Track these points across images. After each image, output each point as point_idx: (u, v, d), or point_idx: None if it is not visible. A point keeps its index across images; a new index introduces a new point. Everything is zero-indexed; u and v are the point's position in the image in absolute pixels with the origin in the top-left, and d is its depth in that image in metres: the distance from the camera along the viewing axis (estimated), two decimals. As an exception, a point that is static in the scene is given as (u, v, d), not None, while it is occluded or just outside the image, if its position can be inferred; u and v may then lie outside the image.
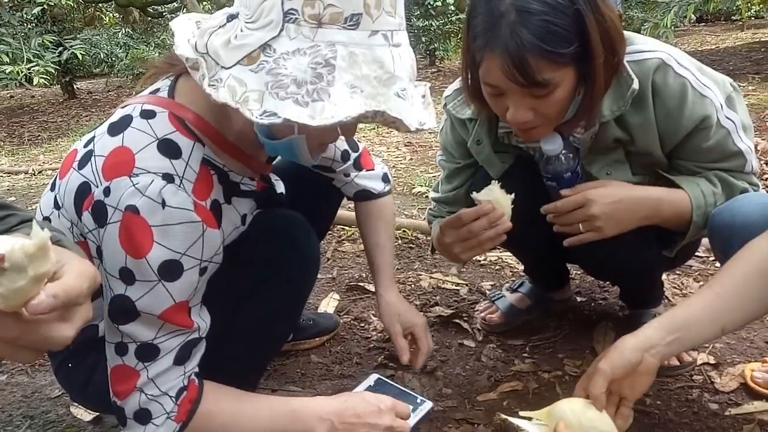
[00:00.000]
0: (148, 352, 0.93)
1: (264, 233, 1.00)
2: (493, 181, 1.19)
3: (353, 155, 1.36)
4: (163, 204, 0.86)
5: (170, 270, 0.89)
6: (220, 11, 0.91)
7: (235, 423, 0.99)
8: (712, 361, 1.42)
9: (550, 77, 1.02)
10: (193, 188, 0.92)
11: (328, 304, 1.81)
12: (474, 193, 1.19)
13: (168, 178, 0.88)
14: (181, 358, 0.96)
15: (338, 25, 0.79)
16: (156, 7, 10.00)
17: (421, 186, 3.01)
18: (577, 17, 1.01)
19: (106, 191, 0.86)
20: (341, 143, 1.33)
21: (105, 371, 1.04)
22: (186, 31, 0.92)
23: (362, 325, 1.70)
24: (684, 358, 1.40)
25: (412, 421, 1.26)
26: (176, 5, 9.93)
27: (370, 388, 1.37)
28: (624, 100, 1.14)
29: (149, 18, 10.56)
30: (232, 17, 0.88)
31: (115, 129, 0.92)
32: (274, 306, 1.09)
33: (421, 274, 1.98)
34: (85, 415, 1.38)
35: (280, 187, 1.20)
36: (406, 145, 4.10)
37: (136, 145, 0.89)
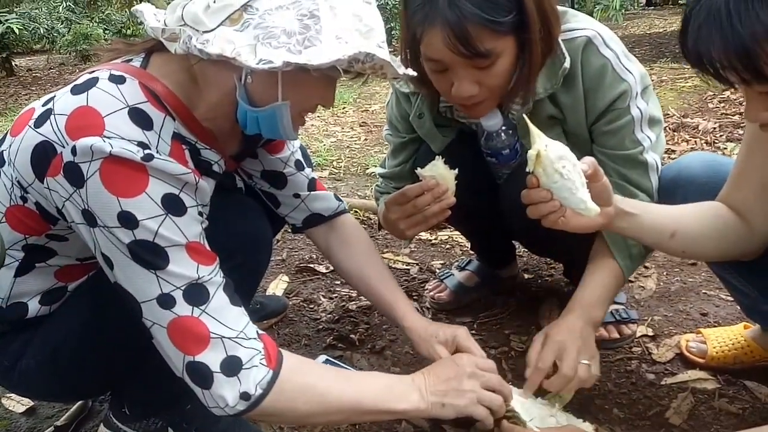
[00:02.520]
0: (199, 293, 0.85)
1: (216, 217, 0.96)
2: (436, 157, 1.19)
3: (308, 172, 1.28)
4: (149, 157, 0.82)
5: (174, 203, 0.84)
6: None
7: (327, 384, 0.92)
8: (651, 333, 1.47)
9: (491, 47, 1.03)
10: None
11: (277, 287, 1.78)
12: (418, 168, 1.19)
13: (143, 146, 0.83)
14: (231, 297, 0.88)
15: None
16: (99, -21, 9.56)
17: (375, 166, 2.99)
18: None
19: (74, 151, 0.80)
20: (297, 152, 1.26)
21: (35, 355, 0.98)
22: (152, 12, 0.90)
23: (311, 306, 1.69)
24: (624, 331, 1.44)
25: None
26: (121, -22, 9.51)
27: (318, 369, 1.36)
28: (557, 78, 1.15)
29: (92, -9, 10.08)
30: None
31: (78, 89, 0.85)
32: None
33: (371, 254, 1.97)
34: (17, 406, 1.32)
35: (241, 183, 1.17)
36: (360, 125, 4.07)
37: (105, 107, 0.83)
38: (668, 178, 1.17)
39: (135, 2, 9.96)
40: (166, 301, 0.84)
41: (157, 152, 0.84)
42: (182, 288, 0.84)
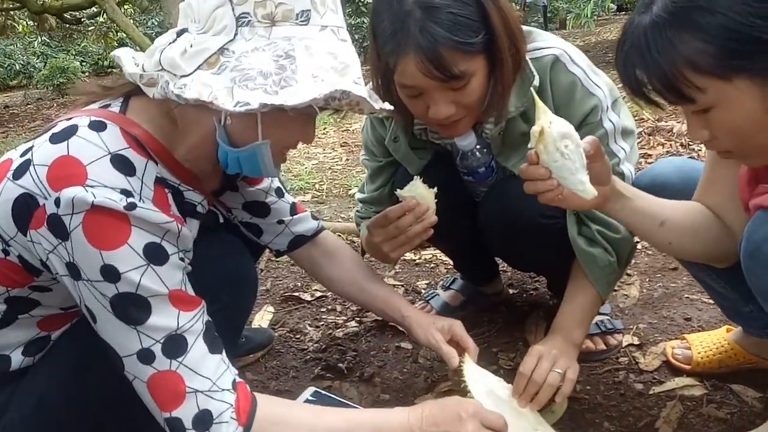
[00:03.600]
0: (176, 345, 0.85)
1: (200, 259, 0.96)
2: (415, 177, 1.20)
3: (288, 198, 1.31)
4: (131, 206, 0.81)
5: (156, 252, 0.84)
6: (167, 32, 0.90)
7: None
8: (636, 342, 1.47)
9: (465, 68, 1.05)
10: (152, 206, 0.87)
11: (263, 318, 1.76)
12: (397, 190, 1.20)
13: (126, 194, 0.83)
14: (212, 344, 0.88)
15: (291, 22, 0.84)
16: (73, 12, 9.52)
17: (357, 187, 3.00)
18: (478, 6, 1.05)
19: (57, 202, 0.80)
20: (275, 180, 1.28)
21: (19, 409, 0.96)
22: (130, 57, 0.91)
23: (298, 336, 1.67)
24: (610, 342, 1.45)
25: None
26: (94, 10, 9.50)
27: (307, 401, 1.35)
28: (527, 96, 1.17)
29: (67, 25, 10.06)
30: (181, 32, 0.87)
31: (58, 138, 0.84)
32: None
33: (357, 278, 1.97)
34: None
35: (221, 218, 1.18)
36: (341, 146, 4.08)
37: (86, 156, 0.83)
38: (643, 184, 1.18)
39: (111, 34, 9.97)
40: (145, 356, 0.84)
41: (141, 199, 0.84)
42: (161, 341, 0.84)
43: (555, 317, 1.27)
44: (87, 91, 0.97)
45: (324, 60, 0.84)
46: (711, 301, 1.54)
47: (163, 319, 0.84)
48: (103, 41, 11.17)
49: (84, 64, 10.85)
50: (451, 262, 1.81)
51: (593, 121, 1.19)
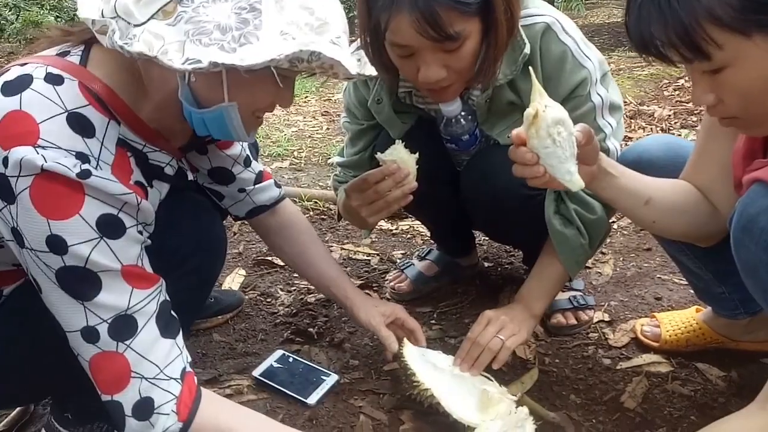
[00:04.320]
0: (125, 327, 0.80)
1: (169, 221, 0.91)
2: (397, 141, 1.17)
3: (255, 166, 1.25)
4: (85, 174, 0.75)
5: (111, 225, 0.78)
6: None
7: None
8: (607, 319, 1.48)
9: (460, 29, 1.02)
10: (111, 170, 0.80)
11: (233, 280, 1.73)
12: (378, 153, 1.17)
13: (82, 158, 0.76)
14: (165, 327, 0.83)
15: None
16: (48, -36, 9.13)
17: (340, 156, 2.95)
18: None
19: (5, 162, 0.73)
20: (246, 148, 1.23)
21: None
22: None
23: (269, 300, 1.65)
24: (581, 317, 1.45)
25: (317, 396, 1.25)
26: (72, -37, 9.13)
27: (274, 364, 1.34)
28: (516, 64, 1.14)
29: (41, -23, 9.64)
30: None
31: (10, 88, 0.77)
32: (178, 297, 0.96)
33: (332, 246, 1.94)
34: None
35: (190, 176, 1.11)
36: (323, 114, 4.00)
37: (40, 112, 0.76)
38: (629, 161, 1.17)
39: (88, -12, 9.62)
40: (90, 334, 0.79)
41: (98, 164, 0.78)
42: (108, 321, 0.79)
43: (521, 287, 1.31)
44: (47, 35, 0.89)
45: (297, 15, 0.75)
46: (682, 282, 1.56)
47: (114, 296, 0.79)
48: (79, -4, 10.75)
49: (59, 19, 10.44)
50: (428, 233, 1.80)
51: (582, 93, 1.17)
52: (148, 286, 0.82)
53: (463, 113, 1.26)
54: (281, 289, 1.69)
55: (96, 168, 0.77)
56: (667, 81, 3.79)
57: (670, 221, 1.06)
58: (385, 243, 1.97)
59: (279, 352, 1.37)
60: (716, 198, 1.03)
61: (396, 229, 2.05)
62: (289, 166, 2.87)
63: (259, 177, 1.26)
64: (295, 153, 3.09)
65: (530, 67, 0.95)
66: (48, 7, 10.51)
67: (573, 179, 0.90)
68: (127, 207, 0.80)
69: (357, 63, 0.83)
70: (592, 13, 8.77)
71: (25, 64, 0.82)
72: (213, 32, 0.73)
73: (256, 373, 1.31)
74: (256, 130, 0.95)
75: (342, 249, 1.92)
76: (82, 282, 0.78)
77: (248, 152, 1.24)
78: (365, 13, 1.07)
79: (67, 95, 0.78)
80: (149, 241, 0.86)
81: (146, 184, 0.90)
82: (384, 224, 2.06)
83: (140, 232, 0.83)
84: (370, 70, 0.84)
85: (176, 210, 0.95)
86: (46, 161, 0.73)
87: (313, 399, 1.23)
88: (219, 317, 1.52)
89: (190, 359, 0.88)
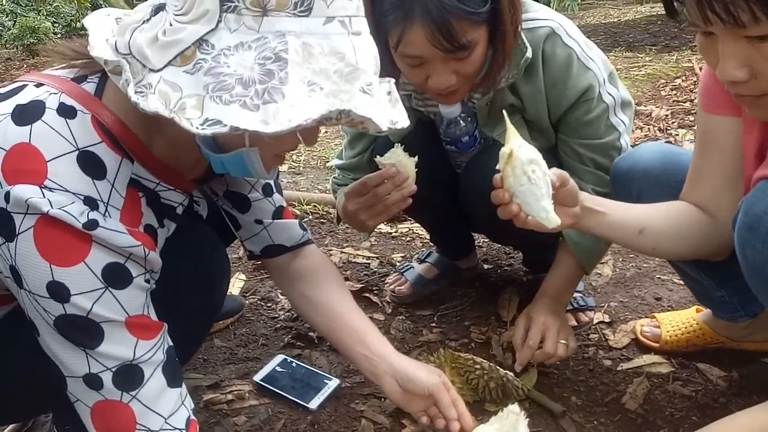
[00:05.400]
0: (130, 377, 0.77)
1: (170, 260, 0.87)
2: (396, 144, 1.17)
3: (277, 199, 1.15)
4: (92, 225, 0.71)
5: (117, 275, 0.74)
6: (144, 3, 0.77)
7: None
8: (607, 320, 1.48)
9: (471, 38, 1.03)
10: (120, 217, 0.77)
11: (234, 285, 1.73)
12: (377, 156, 1.17)
13: (91, 203, 0.73)
14: (172, 377, 0.80)
15: (287, 12, 0.68)
16: (45, -30, 9.14)
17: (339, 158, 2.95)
18: None
19: (7, 197, 0.70)
20: None
21: None
22: (104, 29, 0.77)
23: (269, 305, 1.65)
24: (581, 319, 1.46)
25: (318, 400, 1.25)
26: (68, -32, 9.13)
27: (275, 369, 1.34)
28: (518, 68, 1.15)
29: (38, -18, 9.64)
30: (158, 9, 0.73)
31: (23, 116, 0.74)
32: (179, 335, 0.92)
33: (332, 249, 1.94)
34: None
35: (204, 207, 1.06)
36: (320, 118, 4.01)
37: (50, 149, 0.72)
38: (623, 170, 1.18)
39: (84, -6, 9.60)
40: (93, 381, 0.76)
41: (108, 209, 0.75)
42: (113, 369, 0.76)
43: (544, 282, 1.33)
44: (58, 51, 0.84)
45: (326, 62, 0.69)
46: (682, 282, 1.56)
47: (118, 347, 0.76)
48: (75, 1, 10.75)
49: (56, 25, 10.43)
50: (428, 236, 1.80)
51: (592, 96, 1.18)
52: (153, 336, 0.79)
53: (462, 115, 1.26)
54: (281, 294, 1.69)
55: (105, 214, 0.74)
56: (664, 81, 3.80)
57: (670, 246, 1.05)
58: (384, 246, 1.98)
59: (280, 357, 1.37)
60: (721, 210, 1.00)
61: (395, 231, 2.06)
62: (287, 170, 2.87)
63: (279, 212, 1.16)
64: (294, 156, 3.09)
65: (504, 113, 0.96)
66: (45, 13, 10.51)
67: (549, 216, 0.92)
68: (135, 257, 0.77)
69: (389, 108, 0.77)
70: (588, 14, 8.79)
71: (41, 84, 0.79)
72: (235, 87, 0.66)
73: (258, 378, 1.31)
74: (277, 168, 0.90)
75: (342, 252, 1.92)
76: (83, 331, 0.75)
77: (270, 180, 1.16)
78: (371, 24, 1.07)
79: (79, 131, 0.75)
80: (154, 286, 0.83)
81: (157, 225, 0.87)
82: (383, 227, 2.06)
83: (147, 281, 0.80)
84: (403, 119, 0.77)
85: (178, 247, 0.91)
86: (51, 207, 0.70)
87: (314, 404, 1.23)
88: (220, 322, 1.52)
89: (192, 405, 0.86)
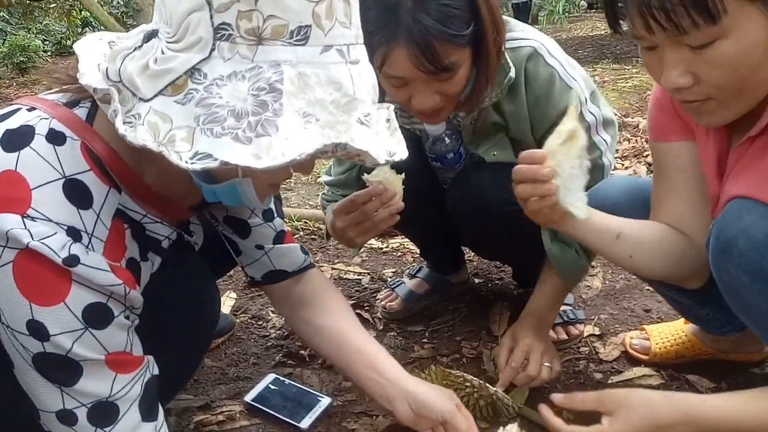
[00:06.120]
0: (105, 414, 0.76)
1: (159, 295, 0.86)
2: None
3: (277, 224, 1.14)
4: (72, 261, 0.70)
5: (98, 315, 0.73)
6: (137, 29, 0.76)
7: None
8: (597, 332, 1.49)
9: (455, 60, 1.04)
10: (103, 249, 0.75)
11: (225, 304, 1.72)
12: (365, 174, 1.18)
13: (74, 234, 0.72)
14: (148, 411, 0.80)
15: (283, 41, 0.66)
16: (35, -12, 9.17)
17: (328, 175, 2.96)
18: None
19: None
20: (268, 200, 1.13)
21: None
22: (95, 55, 0.76)
23: (260, 323, 1.64)
24: (571, 332, 1.46)
25: (310, 419, 1.24)
26: (58, -13, 9.16)
27: (267, 389, 1.33)
28: (501, 87, 1.17)
29: (27, 1, 9.66)
30: (150, 36, 0.72)
31: (12, 142, 0.73)
32: (168, 370, 0.91)
33: (323, 266, 1.94)
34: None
35: (199, 235, 1.04)
36: (311, 133, 4.03)
37: (35, 176, 0.71)
38: (592, 207, 1.17)
39: (75, 12, 9.63)
40: (67, 417, 0.75)
41: (91, 240, 0.74)
42: (88, 406, 0.75)
43: (529, 301, 1.34)
44: (52, 76, 0.84)
45: (322, 92, 0.67)
46: (670, 293, 1.57)
47: (95, 384, 0.75)
48: (65, 20, 10.77)
49: (46, 42, 10.44)
50: (418, 251, 1.81)
51: None
52: (132, 370, 0.79)
53: (447, 132, 1.28)
54: (272, 312, 1.68)
55: (88, 246, 0.73)
56: (651, 93, 3.85)
57: (647, 257, 1.03)
58: (375, 261, 1.98)
59: (271, 376, 1.36)
60: (691, 231, 1.01)
61: (386, 247, 2.06)
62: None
63: (280, 237, 1.14)
64: (285, 172, 3.10)
65: (573, 107, 0.93)
66: (35, 31, 10.53)
67: (582, 207, 0.90)
68: (116, 295, 0.76)
69: (387, 138, 0.76)
70: (576, 26, 8.92)
71: (34, 108, 0.78)
72: (227, 119, 0.64)
73: (248, 398, 1.30)
74: (271, 197, 0.90)
75: (333, 268, 1.92)
76: (61, 369, 0.74)
77: (271, 205, 1.13)
78: None
79: (67, 158, 0.74)
80: (137, 321, 0.82)
81: (140, 259, 0.86)
82: (374, 242, 2.07)
83: (128, 317, 0.79)
84: (401, 149, 0.76)
85: (168, 282, 0.90)
86: (32, 239, 0.68)
87: (306, 423, 1.23)
88: (212, 342, 1.51)
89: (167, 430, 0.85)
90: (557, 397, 0.94)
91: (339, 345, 1.10)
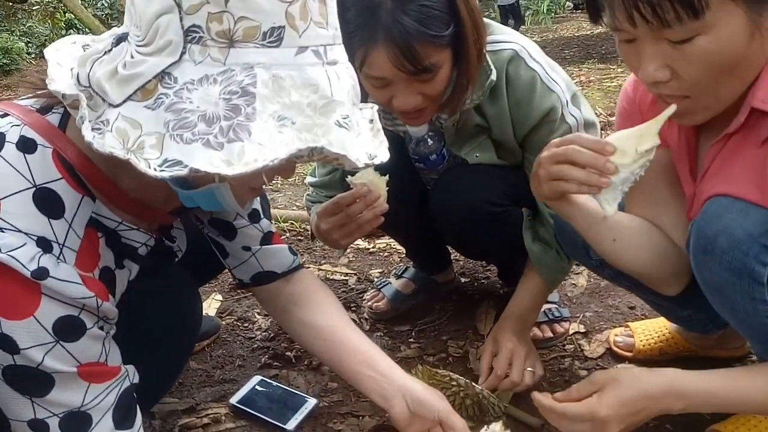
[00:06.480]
0: (77, 424, 0.75)
1: (140, 303, 0.86)
2: None
3: (264, 224, 1.12)
4: (41, 274, 0.69)
5: (69, 328, 0.72)
6: (108, 32, 0.74)
7: None
8: (582, 330, 1.50)
9: (435, 60, 1.04)
10: (75, 259, 0.74)
11: (210, 306, 1.71)
12: (349, 177, 1.17)
13: (44, 245, 0.70)
14: (122, 419, 0.79)
15: (255, 43, 0.64)
16: (17, -10, 9.09)
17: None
18: None
19: None
20: (254, 201, 1.11)
21: None
22: (67, 59, 0.74)
23: (246, 325, 1.63)
24: (557, 330, 1.47)
25: (296, 421, 1.23)
26: (41, -11, 9.07)
27: (252, 391, 1.32)
28: (483, 89, 1.17)
29: (10, 3, 9.55)
30: (119, 40, 0.70)
31: None
32: (150, 378, 0.90)
33: (309, 267, 1.94)
34: None
35: (182, 240, 1.02)
36: (298, 134, 4.02)
37: (5, 186, 0.70)
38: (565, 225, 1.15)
39: (58, 14, 9.54)
40: (38, 427, 0.74)
41: (63, 251, 0.72)
42: (60, 415, 0.74)
43: (510, 301, 1.34)
44: (28, 81, 0.82)
45: (298, 95, 0.65)
46: (654, 290, 1.59)
47: (67, 394, 0.74)
48: (49, 21, 10.66)
49: (30, 45, 10.33)
50: (404, 251, 1.81)
51: (554, 118, 1.20)
52: (106, 379, 0.78)
53: (430, 133, 1.28)
54: (258, 313, 1.68)
55: (59, 257, 0.72)
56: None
57: (630, 243, 1.02)
58: (362, 262, 1.98)
59: (257, 378, 1.36)
60: (668, 229, 1.02)
61: (373, 247, 2.06)
62: (266, 187, 2.86)
63: (267, 238, 1.13)
64: (271, 174, 3.09)
65: (666, 111, 0.87)
66: (18, 33, 10.41)
67: (613, 207, 0.89)
68: (88, 307, 0.74)
69: (369, 139, 0.74)
70: (562, 27, 8.99)
71: (6, 114, 0.76)
72: (197, 124, 0.62)
73: (234, 400, 1.29)
74: (252, 201, 0.88)
75: (319, 269, 1.92)
76: (32, 381, 0.73)
77: (256, 206, 1.11)
78: None
79: (38, 166, 0.72)
80: (114, 329, 0.81)
81: (114, 267, 0.84)
82: (361, 243, 2.07)
83: (101, 328, 0.78)
84: (382, 152, 0.75)
85: (146, 289, 0.89)
86: (0, 251, 0.67)
87: (291, 424, 1.22)
88: (196, 344, 1.50)
89: None
90: (558, 396, 0.95)
91: (333, 343, 1.09)
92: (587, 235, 1.04)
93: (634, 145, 0.86)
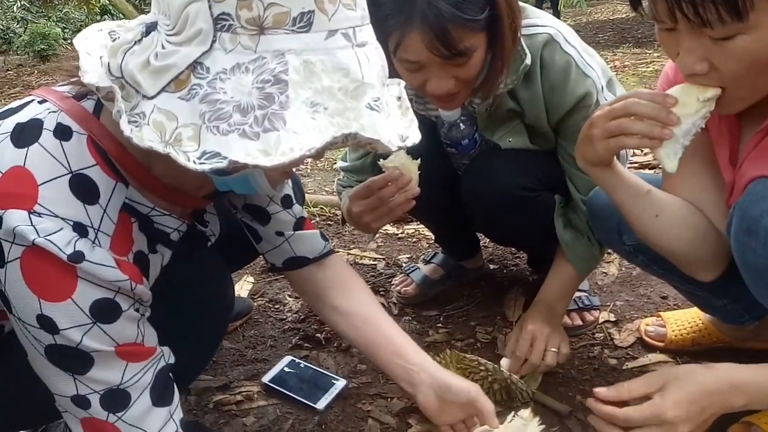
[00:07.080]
0: (117, 400, 0.78)
1: (173, 287, 0.87)
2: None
3: (297, 210, 1.14)
4: (78, 257, 0.71)
5: (106, 310, 0.74)
6: (136, 19, 0.74)
7: None
8: (613, 319, 1.49)
9: (470, 44, 1.04)
10: (110, 244, 0.76)
11: (242, 288, 1.75)
12: (381, 160, 1.18)
13: (80, 229, 0.72)
14: (159, 396, 0.82)
15: (285, 29, 0.63)
16: (54, -24, 9.25)
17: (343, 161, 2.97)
18: None
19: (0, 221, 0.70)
20: (286, 186, 1.12)
21: None
22: (96, 48, 0.74)
23: (277, 306, 1.67)
24: (586, 318, 1.46)
25: (326, 401, 1.26)
26: (77, -25, 9.23)
27: (283, 371, 1.36)
28: (517, 74, 1.16)
29: (48, -11, 9.75)
30: (149, 29, 0.70)
31: (22, 138, 0.74)
32: (183, 360, 0.92)
33: (339, 251, 1.96)
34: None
35: (215, 225, 1.03)
36: (327, 120, 4.03)
37: (42, 172, 0.72)
38: (600, 205, 1.15)
39: (93, 0, 9.70)
40: (81, 402, 0.78)
41: (98, 235, 0.74)
42: (100, 392, 0.77)
43: (540, 289, 1.34)
44: (64, 68, 0.83)
45: (329, 79, 0.65)
46: (687, 280, 1.56)
47: (106, 373, 0.77)
48: (85, 7, 10.86)
49: (66, 30, 10.55)
50: (433, 237, 1.81)
51: (589, 103, 1.19)
52: (143, 359, 0.80)
53: (462, 118, 1.28)
54: (289, 296, 1.71)
55: (94, 241, 0.74)
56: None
57: (672, 220, 0.99)
58: (391, 247, 1.99)
59: (288, 358, 1.39)
60: (709, 213, 1.00)
61: (402, 233, 2.07)
62: (294, 171, 2.89)
63: (300, 223, 1.14)
64: (301, 159, 3.12)
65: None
66: (55, 19, 10.64)
67: (676, 162, 0.87)
68: (123, 290, 0.76)
69: (398, 118, 0.74)
70: (596, 10, 8.77)
71: (44, 100, 0.79)
72: (233, 115, 0.62)
73: (266, 379, 1.33)
74: (284, 183, 0.89)
75: (348, 254, 1.94)
76: (73, 360, 0.76)
77: (289, 192, 1.13)
78: (373, 28, 1.09)
79: (73, 153, 0.74)
80: (149, 312, 0.84)
81: (148, 252, 0.86)
82: (390, 228, 2.08)
83: (137, 310, 0.80)
84: (414, 133, 0.75)
85: (180, 274, 0.91)
86: (38, 235, 0.69)
87: (322, 404, 1.25)
88: (229, 325, 1.54)
89: (182, 415, 0.86)
90: (602, 392, 0.89)
91: (364, 330, 1.11)
92: (628, 210, 1.00)
93: (695, 94, 0.83)
